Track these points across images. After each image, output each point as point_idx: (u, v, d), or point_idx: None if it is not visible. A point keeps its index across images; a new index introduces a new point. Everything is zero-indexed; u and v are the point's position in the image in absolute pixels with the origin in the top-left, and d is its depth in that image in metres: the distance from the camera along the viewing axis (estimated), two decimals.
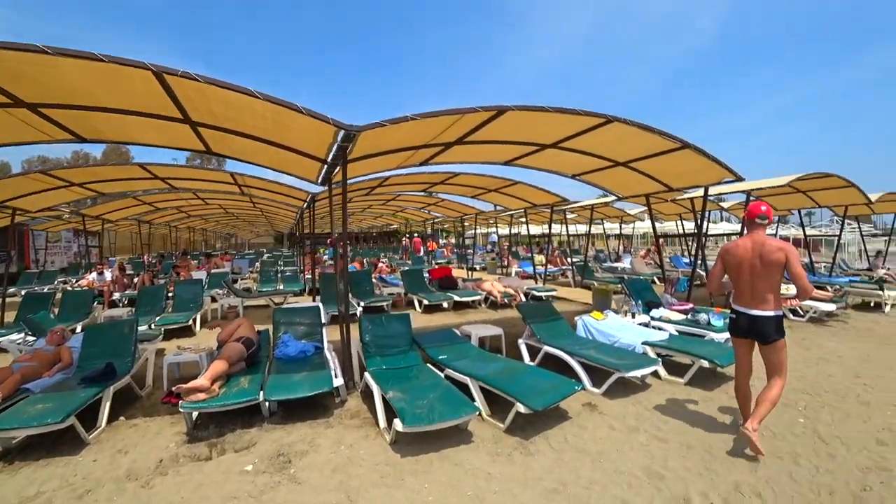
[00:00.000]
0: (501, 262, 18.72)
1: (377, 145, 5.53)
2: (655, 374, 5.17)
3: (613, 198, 9.08)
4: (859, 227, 15.85)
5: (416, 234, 25.73)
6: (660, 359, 5.21)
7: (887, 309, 9.05)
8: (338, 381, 4.43)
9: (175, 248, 25.78)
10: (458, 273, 16.60)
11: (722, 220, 25.73)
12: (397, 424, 3.54)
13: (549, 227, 13.65)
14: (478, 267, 19.91)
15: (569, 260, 15.74)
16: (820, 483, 3.11)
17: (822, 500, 2.94)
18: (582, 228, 27.14)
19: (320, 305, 6.11)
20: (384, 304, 9.63)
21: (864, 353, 6.01)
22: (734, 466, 3.32)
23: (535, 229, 25.12)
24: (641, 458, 3.48)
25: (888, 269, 15.21)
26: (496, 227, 24.77)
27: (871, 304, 9.29)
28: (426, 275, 12.05)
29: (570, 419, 4.20)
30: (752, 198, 11.91)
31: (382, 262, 17.51)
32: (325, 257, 21.52)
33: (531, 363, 5.66)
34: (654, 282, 11.85)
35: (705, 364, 4.90)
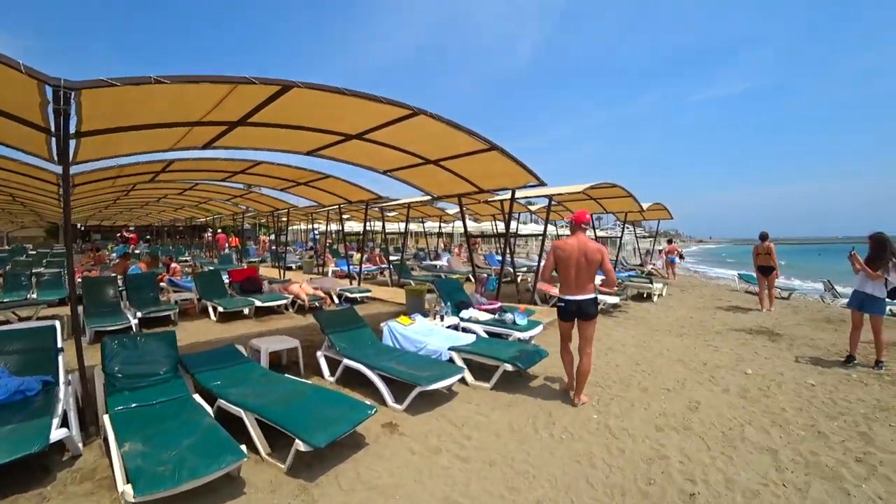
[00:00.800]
0: (319, 261, 17.57)
1: (130, 116, 4.32)
2: (463, 380, 4.88)
3: (429, 197, 8.89)
4: (634, 231, 19.11)
5: (219, 230, 22.71)
6: (465, 367, 4.96)
7: (655, 299, 10.68)
8: (60, 433, 3.18)
9: None
10: (271, 273, 15.02)
11: (531, 221, 28.66)
12: (127, 493, 2.50)
13: (364, 224, 13.09)
14: (294, 266, 18.41)
15: (388, 259, 15.46)
16: (613, 484, 3.05)
17: None
18: (411, 227, 27.54)
19: (56, 324, 4.46)
20: (170, 313, 8.01)
21: (640, 341, 6.71)
22: (536, 481, 3.10)
23: (360, 227, 24.55)
24: (441, 487, 3.05)
25: (654, 264, 18.53)
26: (314, 223, 23.41)
27: (644, 296, 10.88)
28: (225, 277, 10.35)
29: (367, 446, 3.60)
30: (553, 202, 13.19)
31: (178, 263, 14.77)
32: (114, 256, 17.56)
33: (331, 378, 5.02)
34: (469, 279, 12.22)
35: (509, 368, 4.74)
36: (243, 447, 2.99)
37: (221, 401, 3.81)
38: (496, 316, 6.55)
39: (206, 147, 6.03)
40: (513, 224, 21.84)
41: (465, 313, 6.85)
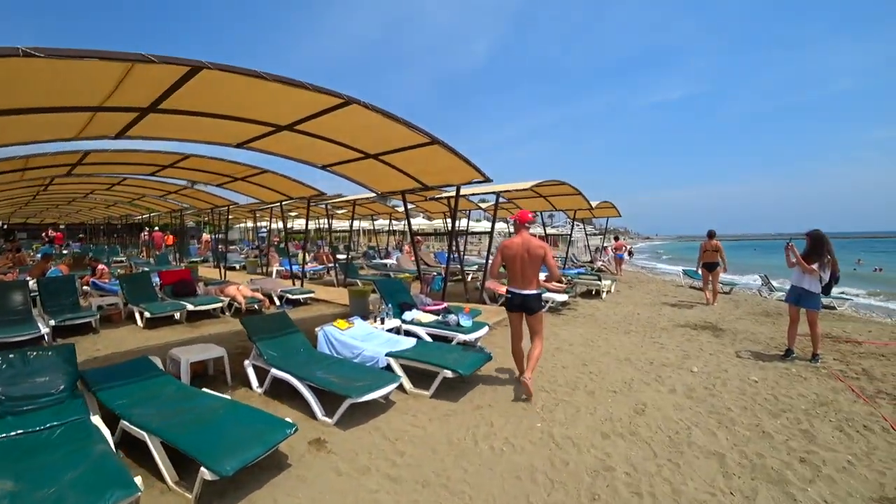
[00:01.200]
0: (263, 261, 16.68)
1: (10, 98, 3.74)
2: (401, 387, 4.51)
3: (374, 194, 8.45)
4: (584, 228, 19.43)
5: (156, 228, 21.21)
6: (402, 374, 4.61)
7: (604, 296, 10.72)
8: None
9: None
10: (212, 274, 14.07)
11: (484, 219, 28.69)
12: None
13: (307, 222, 12.47)
14: (238, 266, 17.40)
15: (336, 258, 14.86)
16: (555, 502, 2.78)
17: None
18: (364, 225, 26.85)
19: None
20: (90, 319, 7.19)
21: (588, 339, 6.57)
22: (472, 503, 2.79)
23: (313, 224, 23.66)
24: None
25: (603, 261, 18.86)
26: (257, 222, 22.32)
27: (593, 293, 10.90)
28: (155, 279, 9.48)
29: (289, 468, 3.20)
30: (503, 199, 13.05)
31: (108, 264, 13.60)
32: (39, 257, 15.95)
33: (259, 390, 4.55)
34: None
35: (449, 375, 4.41)
36: (138, 479, 2.51)
37: (124, 422, 3.32)
38: (440, 317, 6.21)
39: (119, 136, 5.44)
40: (464, 221, 21.95)
41: (407, 315, 6.47)
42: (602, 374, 5.08)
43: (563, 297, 8.79)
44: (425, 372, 4.68)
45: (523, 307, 4.41)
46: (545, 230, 16.12)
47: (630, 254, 42.62)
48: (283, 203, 10.80)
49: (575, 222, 17.62)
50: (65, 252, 19.92)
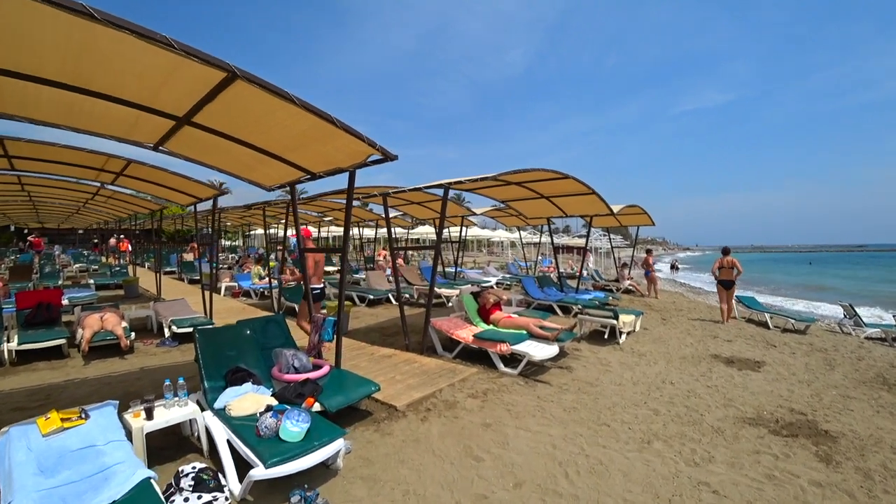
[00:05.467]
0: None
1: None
2: None
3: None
4: (609, 238, 16.00)
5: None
6: None
7: (622, 338, 7.39)
8: None
9: None
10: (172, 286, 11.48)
11: (498, 227, 25.39)
12: None
13: (214, 225, 9.56)
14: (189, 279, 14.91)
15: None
16: None
17: None
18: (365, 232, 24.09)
19: None
20: None
21: (557, 464, 3.34)
22: None
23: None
24: None
25: (632, 278, 15.32)
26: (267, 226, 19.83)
27: (606, 333, 7.57)
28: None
29: None
30: (500, 204, 10.09)
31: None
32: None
33: None
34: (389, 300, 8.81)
35: None
36: None
37: None
38: (262, 416, 3.16)
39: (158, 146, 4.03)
40: (469, 229, 18.90)
41: (229, 394, 3.53)
42: None
43: (550, 351, 5.56)
44: None
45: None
46: (552, 238, 12.74)
47: (674, 268, 38.39)
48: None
49: (597, 231, 14.12)
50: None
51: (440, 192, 6.46)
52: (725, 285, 9.49)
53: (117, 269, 14.94)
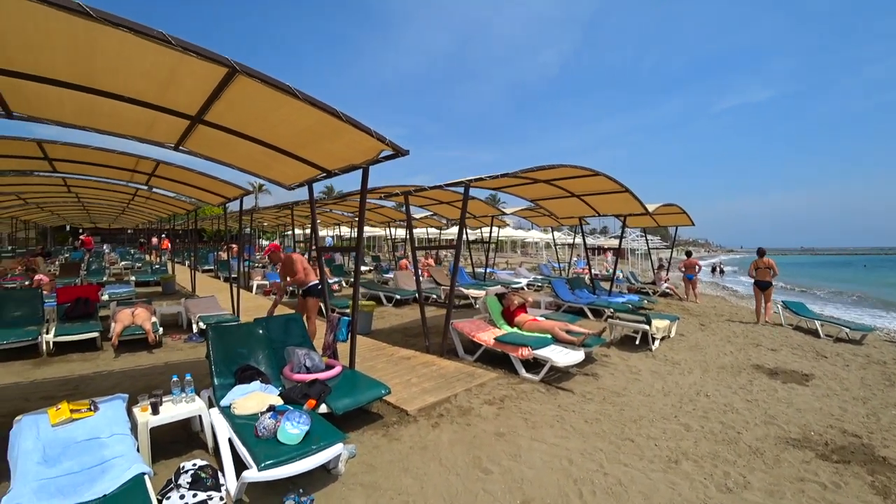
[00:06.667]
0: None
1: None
2: None
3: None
4: (646, 239, 15.34)
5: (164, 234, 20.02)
6: None
7: (655, 344, 6.99)
8: None
9: None
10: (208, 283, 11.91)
11: (531, 227, 24.94)
12: None
13: (225, 226, 9.68)
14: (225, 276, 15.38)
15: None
16: None
17: None
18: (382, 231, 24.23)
19: None
20: None
21: (571, 481, 3.10)
22: None
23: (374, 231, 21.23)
24: None
25: (666, 282, 14.64)
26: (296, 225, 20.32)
27: (637, 339, 7.18)
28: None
29: None
30: (530, 203, 9.92)
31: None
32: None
33: None
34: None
35: None
36: None
37: None
38: (265, 413, 3.08)
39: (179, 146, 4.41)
40: (501, 229, 18.62)
41: (237, 392, 3.49)
42: None
43: (575, 357, 5.28)
44: None
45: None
46: (584, 238, 12.31)
47: (717, 271, 36.65)
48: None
49: (634, 231, 13.59)
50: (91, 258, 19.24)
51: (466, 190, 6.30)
52: (762, 286, 9.65)
53: (157, 266, 15.55)
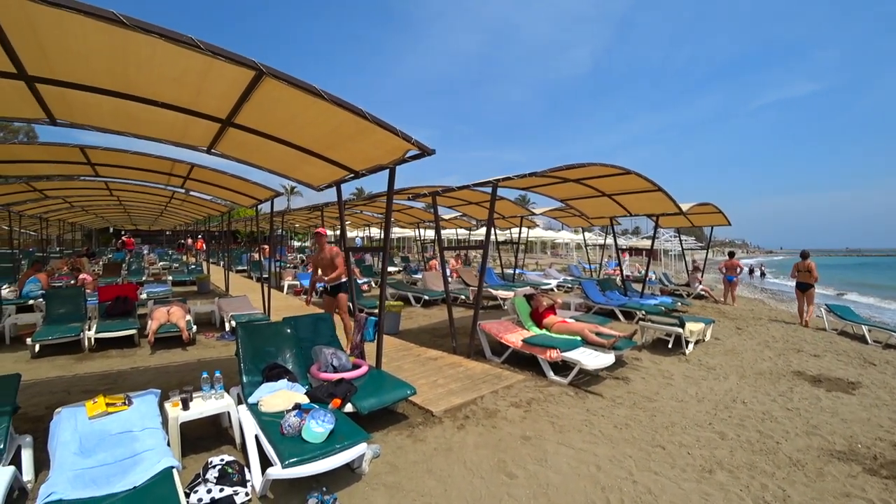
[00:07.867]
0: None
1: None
2: None
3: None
4: (680, 239, 14.87)
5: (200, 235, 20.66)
6: None
7: (690, 347, 6.75)
8: None
9: None
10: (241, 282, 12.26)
11: (562, 228, 24.59)
12: None
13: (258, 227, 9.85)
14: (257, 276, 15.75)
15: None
16: None
17: None
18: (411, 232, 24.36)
19: None
20: None
21: (606, 488, 3.01)
22: None
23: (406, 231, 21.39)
24: None
25: (701, 281, 14.16)
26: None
27: (670, 342, 6.94)
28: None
29: None
30: (560, 204, 9.90)
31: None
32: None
33: None
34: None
35: None
36: None
37: None
38: (290, 412, 3.12)
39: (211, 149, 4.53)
40: (530, 230, 18.36)
41: (264, 390, 3.55)
42: None
43: (606, 360, 5.15)
44: None
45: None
46: (615, 239, 12.03)
47: (756, 273, 35.27)
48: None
49: (668, 232, 13.22)
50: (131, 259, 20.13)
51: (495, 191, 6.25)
52: (802, 287, 9.73)
53: (193, 266, 16.09)
